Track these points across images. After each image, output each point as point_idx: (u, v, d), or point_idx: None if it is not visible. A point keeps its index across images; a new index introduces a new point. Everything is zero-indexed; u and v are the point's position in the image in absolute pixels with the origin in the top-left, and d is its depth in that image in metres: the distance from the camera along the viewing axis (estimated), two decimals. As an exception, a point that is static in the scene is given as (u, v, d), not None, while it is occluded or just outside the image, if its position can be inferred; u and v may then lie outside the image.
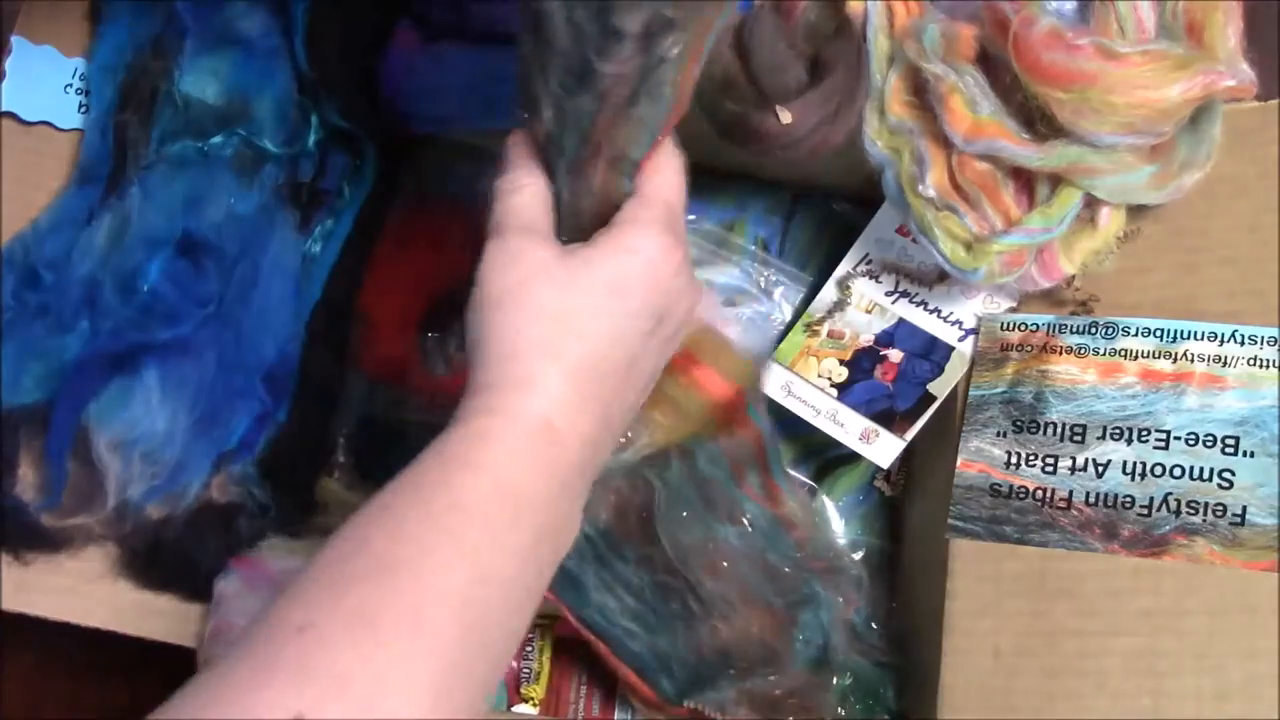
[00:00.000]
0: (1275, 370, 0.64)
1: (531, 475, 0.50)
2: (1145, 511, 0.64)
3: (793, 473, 0.83)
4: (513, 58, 0.54)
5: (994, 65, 0.67)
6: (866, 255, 0.78)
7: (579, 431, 0.52)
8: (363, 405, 0.82)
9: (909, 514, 0.82)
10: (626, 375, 0.54)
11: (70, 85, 0.80)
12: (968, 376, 0.72)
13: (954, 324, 0.74)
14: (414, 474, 0.50)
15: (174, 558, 0.75)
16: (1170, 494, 0.64)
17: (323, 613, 0.44)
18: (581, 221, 0.55)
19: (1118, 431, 0.66)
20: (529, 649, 0.79)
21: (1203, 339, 0.66)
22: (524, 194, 0.54)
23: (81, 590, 0.75)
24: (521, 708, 0.79)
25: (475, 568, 0.47)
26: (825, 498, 0.83)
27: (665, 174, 0.55)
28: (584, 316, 0.52)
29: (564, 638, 0.79)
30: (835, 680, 0.76)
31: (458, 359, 0.82)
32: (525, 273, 0.52)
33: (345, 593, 0.45)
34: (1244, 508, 0.62)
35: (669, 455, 0.69)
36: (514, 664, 0.80)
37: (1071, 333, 0.69)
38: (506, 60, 0.73)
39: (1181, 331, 0.67)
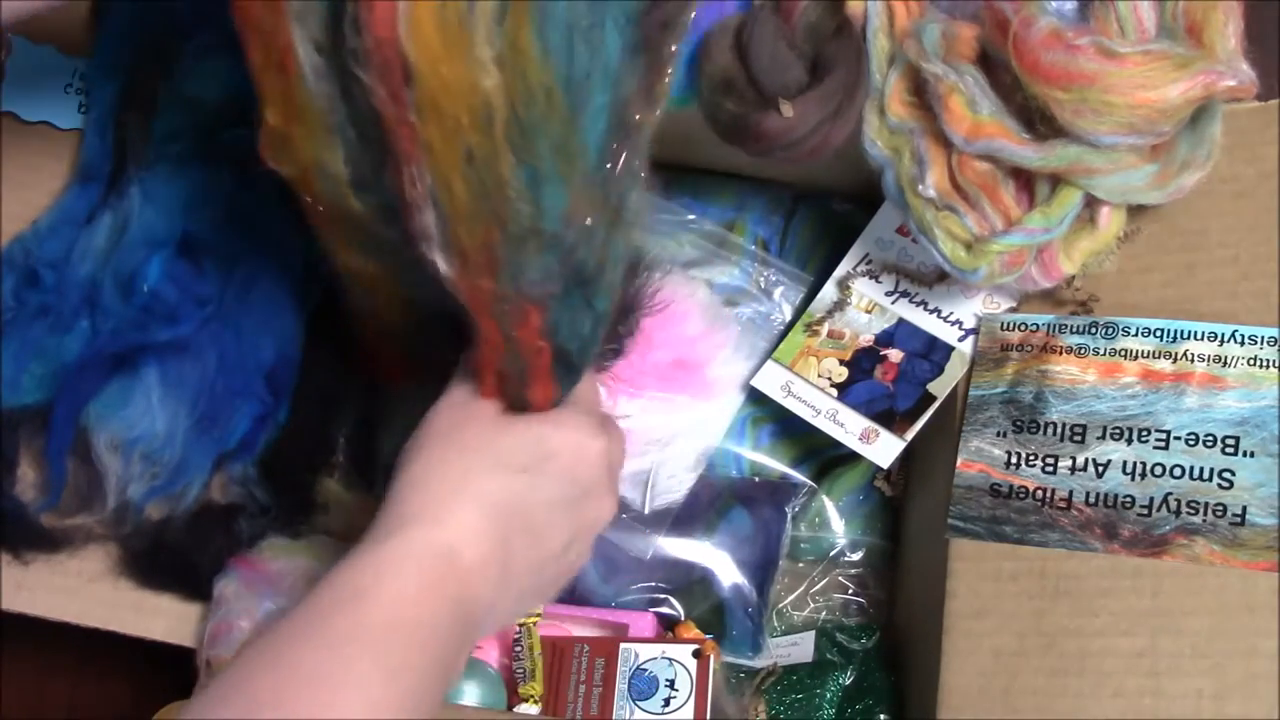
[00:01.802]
0: (1275, 370, 0.64)
1: (428, 604, 0.51)
2: (1145, 511, 0.64)
3: (793, 472, 0.83)
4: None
5: (994, 65, 0.67)
6: (866, 255, 0.78)
7: (483, 561, 0.53)
8: (363, 405, 0.82)
9: (909, 514, 0.82)
10: (538, 534, 0.56)
11: (70, 85, 0.80)
12: (968, 376, 0.72)
13: (954, 324, 0.74)
14: (312, 604, 0.50)
15: (174, 558, 0.75)
16: (1170, 494, 0.64)
17: None
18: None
19: (1118, 431, 0.66)
20: (517, 649, 0.79)
21: (1203, 339, 0.66)
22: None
23: (81, 590, 0.75)
24: (523, 707, 0.79)
25: (366, 700, 0.47)
26: (825, 498, 0.83)
27: (585, 383, 0.59)
28: (510, 462, 0.55)
29: (546, 637, 0.79)
30: (836, 679, 0.76)
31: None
32: (468, 416, 0.56)
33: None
34: (1244, 508, 0.62)
35: None
36: (507, 663, 0.80)
37: (1071, 333, 0.69)
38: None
39: (1181, 331, 0.67)
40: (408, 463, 0.55)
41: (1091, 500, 0.65)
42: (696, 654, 0.74)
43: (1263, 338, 0.65)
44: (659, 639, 0.78)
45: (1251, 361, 0.65)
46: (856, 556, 0.83)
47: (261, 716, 0.46)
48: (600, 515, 0.58)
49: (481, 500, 0.53)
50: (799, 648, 0.80)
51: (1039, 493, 0.66)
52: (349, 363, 0.82)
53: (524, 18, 0.43)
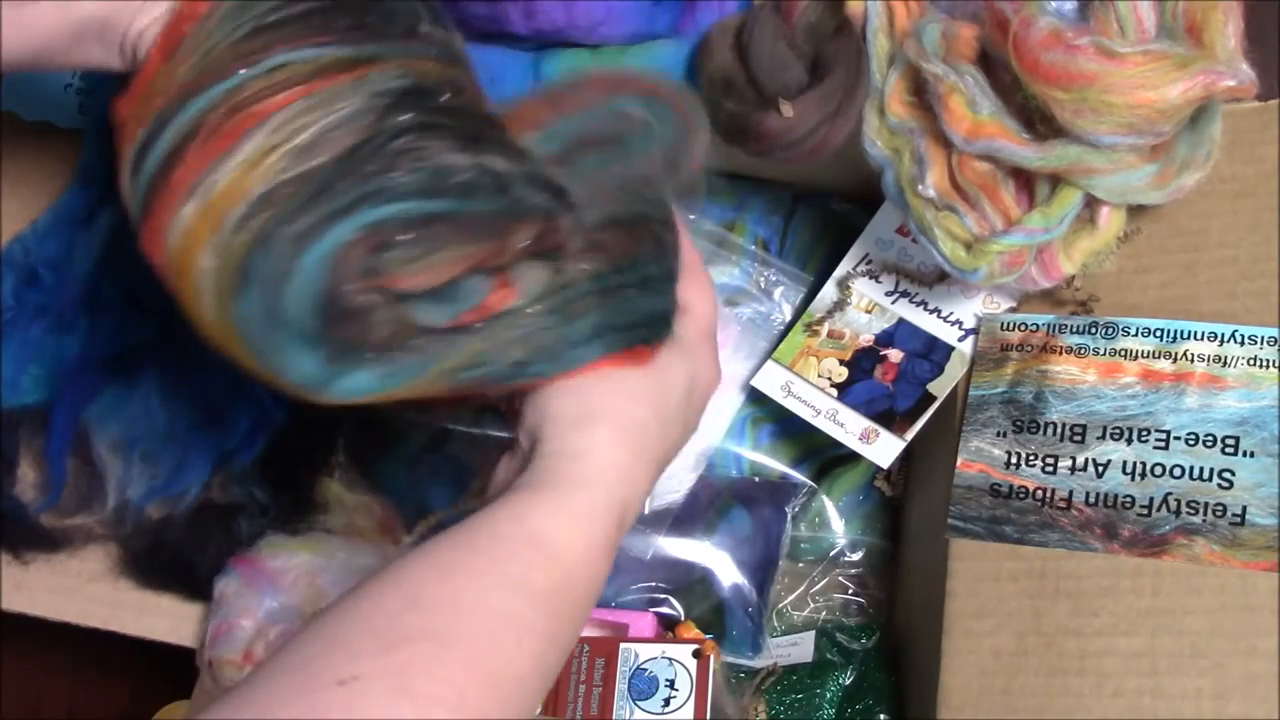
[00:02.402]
0: (1275, 370, 0.64)
1: (599, 566, 0.52)
2: (1145, 511, 0.64)
3: (793, 472, 0.83)
4: (513, 54, 0.55)
5: (994, 65, 0.67)
6: (866, 255, 0.78)
7: (639, 509, 0.55)
8: (363, 405, 0.82)
9: (909, 514, 0.82)
10: (672, 441, 0.59)
11: (70, 85, 0.80)
12: (968, 376, 0.72)
13: (954, 324, 0.74)
14: (482, 530, 0.50)
15: (174, 558, 0.75)
16: (1170, 494, 0.64)
17: (366, 669, 0.43)
18: None
19: (1118, 431, 0.66)
20: (524, 648, 0.79)
21: (1203, 339, 0.66)
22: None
23: (81, 590, 0.75)
24: (522, 708, 0.79)
25: (526, 656, 0.47)
26: (825, 498, 0.83)
27: (701, 292, 0.61)
28: (669, 413, 0.57)
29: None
30: (836, 678, 0.76)
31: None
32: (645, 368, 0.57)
33: (392, 652, 0.44)
34: (1244, 508, 0.62)
35: None
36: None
37: (1071, 333, 0.69)
38: (507, 59, 0.73)
39: (1181, 331, 0.67)
40: (570, 393, 0.55)
41: (1091, 500, 0.65)
42: (696, 654, 0.74)
43: (1263, 338, 0.65)
44: (659, 639, 0.78)
45: (1251, 361, 0.65)
46: (856, 556, 0.83)
47: (424, 633, 0.45)
48: (709, 392, 0.61)
49: (647, 448, 0.55)
50: (799, 648, 0.80)
51: (1039, 493, 0.66)
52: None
53: None
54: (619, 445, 0.54)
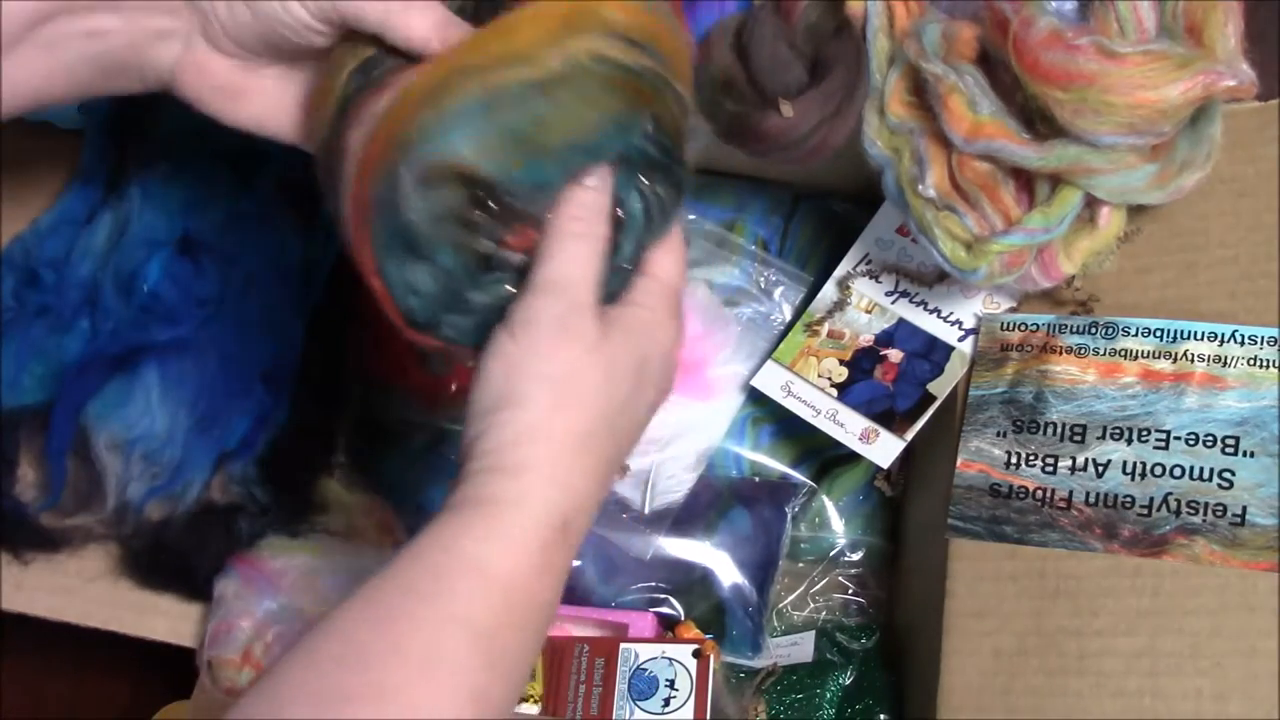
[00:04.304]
0: (1275, 370, 0.64)
1: (542, 588, 0.48)
2: (1145, 511, 0.64)
3: (793, 472, 0.83)
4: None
5: (994, 65, 0.67)
6: (866, 255, 0.78)
7: (588, 521, 0.51)
8: (363, 405, 0.83)
9: (909, 514, 0.82)
10: (630, 443, 0.54)
11: (70, 85, 0.80)
12: (968, 376, 0.72)
13: (954, 324, 0.74)
14: (415, 562, 0.47)
15: (174, 558, 0.75)
16: (1170, 494, 0.64)
17: None
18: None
19: (1118, 431, 0.66)
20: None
21: (1203, 339, 0.66)
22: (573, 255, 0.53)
23: (81, 590, 0.75)
24: (523, 707, 0.79)
25: (467, 697, 0.45)
26: (825, 498, 0.83)
27: (670, 257, 0.55)
28: (615, 403, 0.51)
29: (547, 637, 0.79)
30: (835, 678, 0.76)
31: (457, 358, 0.82)
32: (562, 345, 0.51)
33: (338, 702, 0.43)
34: (1244, 508, 0.62)
35: None
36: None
37: (1071, 333, 0.69)
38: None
39: (1181, 331, 0.67)
40: (508, 405, 0.50)
41: (1091, 500, 0.65)
42: (696, 654, 0.74)
43: (1263, 338, 0.65)
44: (659, 639, 0.78)
45: (1251, 361, 0.65)
46: (856, 556, 0.83)
47: (353, 681, 0.43)
48: (670, 358, 0.55)
49: (592, 451, 0.50)
50: (799, 648, 0.80)
51: (1039, 493, 0.66)
52: (349, 363, 0.82)
53: None
54: (557, 459, 0.49)
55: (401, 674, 0.44)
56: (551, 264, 0.50)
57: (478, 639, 0.46)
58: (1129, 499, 0.64)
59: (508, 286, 0.51)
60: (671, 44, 0.52)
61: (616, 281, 0.53)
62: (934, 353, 0.74)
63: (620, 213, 0.52)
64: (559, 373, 0.50)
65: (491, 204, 0.49)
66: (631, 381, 0.52)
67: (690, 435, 0.81)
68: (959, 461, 0.69)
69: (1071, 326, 0.69)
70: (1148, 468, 0.65)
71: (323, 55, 0.55)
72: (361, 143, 0.50)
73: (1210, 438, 0.64)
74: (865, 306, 0.77)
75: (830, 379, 0.76)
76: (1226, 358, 0.65)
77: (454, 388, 0.82)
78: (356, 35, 0.53)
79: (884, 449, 0.74)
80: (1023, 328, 0.71)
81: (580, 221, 0.51)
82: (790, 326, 0.81)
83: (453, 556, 0.47)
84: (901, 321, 0.76)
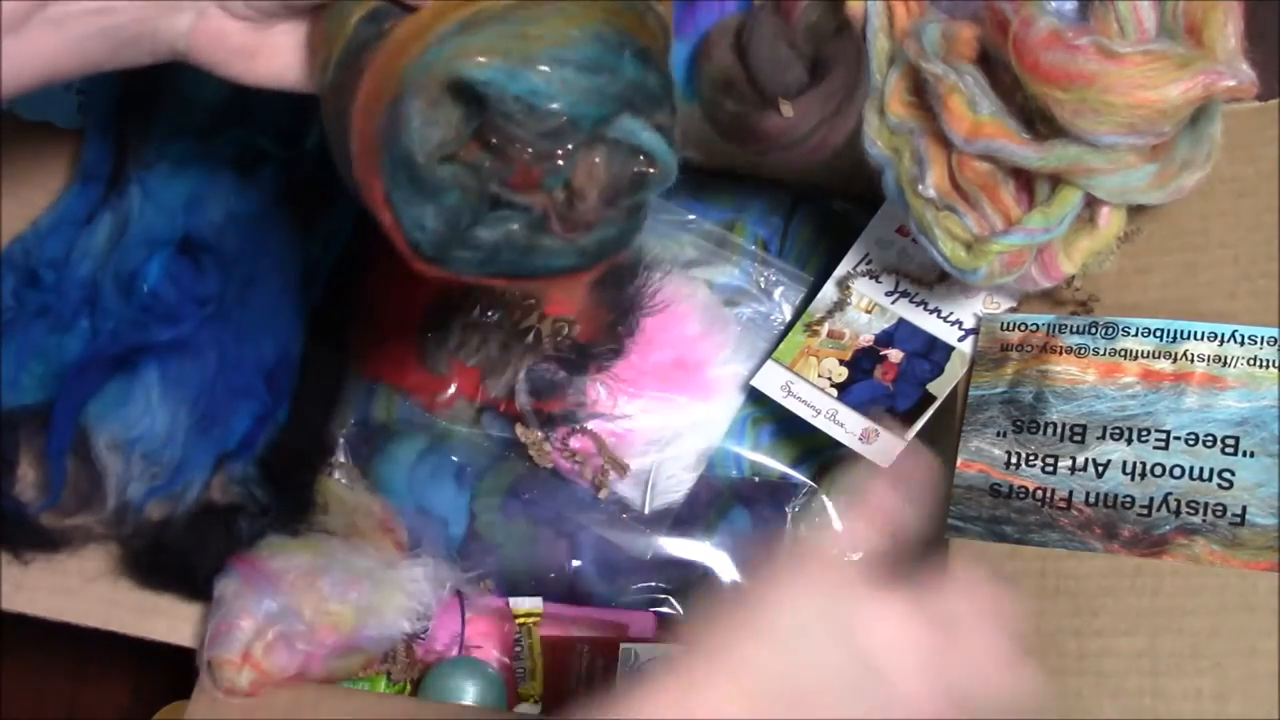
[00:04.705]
0: (1275, 370, 0.64)
1: None
2: (1145, 511, 0.64)
3: (793, 472, 0.83)
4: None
5: (994, 65, 0.67)
6: (866, 255, 0.78)
7: None
8: (363, 405, 0.83)
9: (909, 514, 0.82)
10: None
11: (70, 85, 0.80)
12: (968, 376, 0.72)
13: (954, 324, 0.74)
14: None
15: (174, 558, 0.75)
16: (1170, 494, 0.64)
17: None
18: None
19: (1118, 431, 0.66)
20: (518, 649, 0.79)
21: (1203, 339, 0.66)
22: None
23: (81, 590, 0.75)
24: (523, 707, 0.79)
25: None
26: (825, 498, 0.83)
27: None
28: (816, 686, 0.46)
29: (546, 637, 0.79)
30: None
31: (457, 359, 0.82)
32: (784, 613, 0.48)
33: None
34: (1244, 508, 0.62)
35: None
36: (507, 663, 0.80)
37: (1071, 333, 0.69)
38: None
39: (1181, 331, 0.67)
40: (710, 633, 0.47)
41: (1091, 500, 0.65)
42: (696, 654, 0.74)
43: (1263, 338, 0.65)
44: (659, 639, 0.78)
45: (1251, 361, 0.65)
46: (856, 556, 0.83)
47: None
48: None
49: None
50: (799, 648, 0.80)
51: (1039, 493, 0.66)
52: (349, 363, 0.82)
53: None
54: (736, 698, 0.45)
55: None
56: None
57: None
58: (1129, 499, 0.64)
59: (514, 225, 0.51)
60: None
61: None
62: (934, 353, 0.74)
63: (645, 160, 0.52)
64: (773, 636, 0.47)
65: (491, 137, 0.49)
66: (824, 685, 0.47)
67: (690, 435, 0.81)
68: (959, 461, 0.69)
69: (1071, 326, 0.69)
70: (1148, 468, 0.65)
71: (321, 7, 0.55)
72: (362, 87, 0.51)
73: (1210, 438, 0.64)
74: (865, 306, 0.77)
75: (830, 379, 0.76)
76: (1226, 358, 0.65)
77: (453, 388, 0.82)
78: None
79: (884, 449, 0.74)
80: (1023, 328, 0.71)
81: None
82: (790, 326, 0.81)
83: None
84: (901, 321, 0.76)
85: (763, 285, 0.85)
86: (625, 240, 0.53)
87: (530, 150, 0.50)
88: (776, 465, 0.83)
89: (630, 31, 0.51)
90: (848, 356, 0.76)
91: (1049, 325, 0.70)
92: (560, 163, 0.50)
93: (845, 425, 0.75)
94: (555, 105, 0.49)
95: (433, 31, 0.50)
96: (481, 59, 0.49)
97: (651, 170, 0.52)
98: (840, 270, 0.79)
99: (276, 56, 0.58)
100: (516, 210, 0.51)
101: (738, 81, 0.69)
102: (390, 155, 0.50)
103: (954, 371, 0.73)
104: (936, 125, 0.67)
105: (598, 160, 0.51)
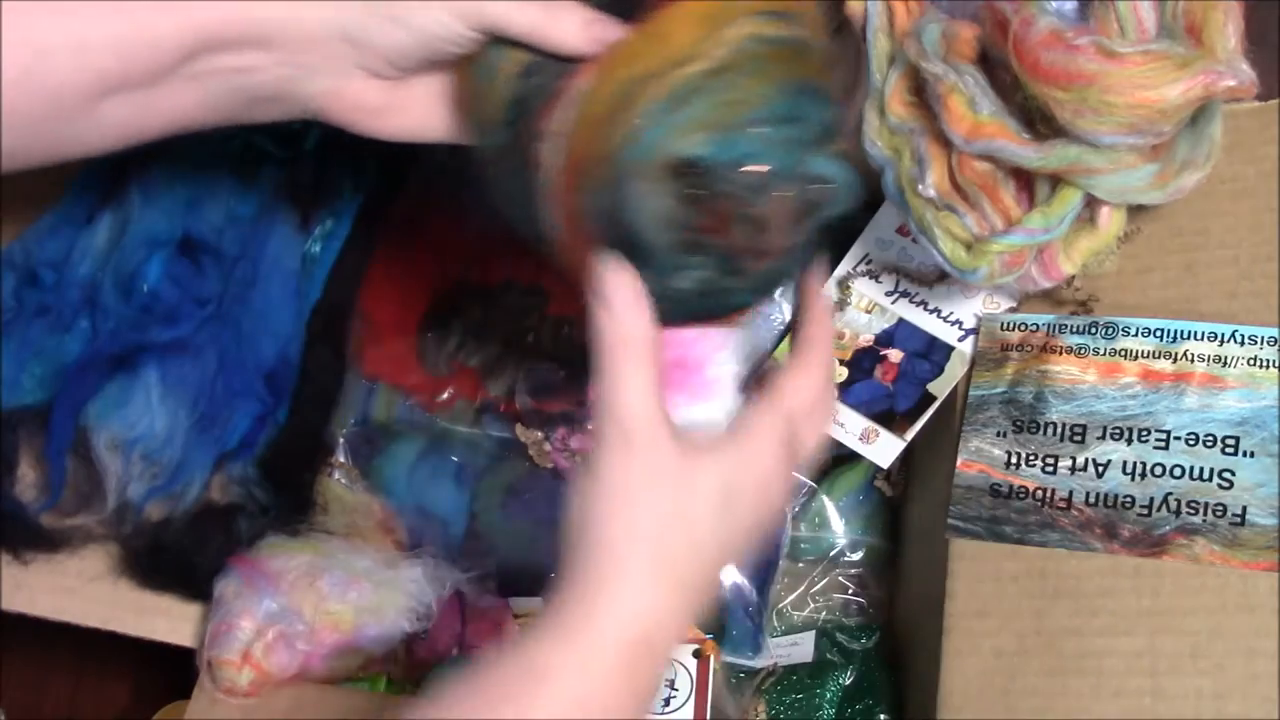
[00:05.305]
0: (1275, 370, 0.64)
1: (616, 697, 0.47)
2: (1145, 511, 0.64)
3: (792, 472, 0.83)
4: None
5: (994, 65, 0.67)
6: (866, 255, 0.78)
7: (671, 642, 0.50)
8: (362, 405, 0.83)
9: (909, 514, 0.82)
10: (717, 567, 0.53)
11: (70, 85, 0.80)
12: (968, 376, 0.72)
13: (954, 324, 0.74)
14: (490, 674, 0.47)
15: (174, 558, 0.75)
16: (1170, 494, 0.64)
17: None
18: None
19: (1118, 431, 0.66)
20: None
21: (1203, 339, 0.66)
22: (642, 379, 0.52)
23: (81, 590, 0.75)
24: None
25: None
26: (825, 498, 0.83)
27: (800, 378, 0.55)
28: (697, 525, 0.50)
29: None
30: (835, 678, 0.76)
31: (457, 359, 0.82)
32: (645, 468, 0.50)
33: None
34: (1244, 508, 0.62)
35: None
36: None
37: (1071, 333, 0.69)
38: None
39: (1181, 331, 0.67)
40: (591, 524, 0.50)
41: (1091, 500, 0.65)
42: (696, 654, 0.74)
43: (1263, 338, 0.65)
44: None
45: (1251, 361, 0.65)
46: (856, 556, 0.83)
47: None
48: (765, 509, 0.54)
49: (669, 573, 0.49)
50: (799, 648, 0.80)
51: (1039, 493, 0.66)
52: (349, 363, 0.82)
53: None
54: (631, 578, 0.48)
55: None
56: (611, 392, 0.51)
57: None
58: (1129, 499, 0.64)
59: (707, 271, 0.53)
60: (804, 7, 0.55)
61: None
62: (934, 353, 0.74)
63: (823, 181, 0.53)
64: (638, 504, 0.49)
65: (699, 193, 0.51)
66: (711, 504, 0.51)
67: (690, 435, 0.81)
68: (959, 461, 0.69)
69: (1071, 326, 0.69)
70: (1148, 468, 0.65)
71: (463, 59, 0.56)
72: (558, 157, 0.52)
73: (1210, 438, 0.64)
74: (865, 306, 0.77)
75: (830, 379, 0.76)
76: (1226, 358, 0.65)
77: (452, 389, 0.82)
78: (503, 40, 0.54)
79: (884, 449, 0.74)
80: (1023, 328, 0.71)
81: (626, 346, 0.51)
82: (790, 326, 0.81)
83: (526, 669, 0.47)
84: (901, 321, 0.76)
85: (763, 285, 0.85)
86: (807, 261, 0.56)
87: (733, 201, 0.52)
88: (776, 465, 0.83)
89: (807, 75, 0.54)
90: (848, 356, 0.76)
91: (1049, 325, 0.70)
92: (757, 205, 0.52)
93: (845, 425, 0.75)
94: (765, 164, 0.51)
95: (638, 108, 0.50)
96: (697, 136, 0.50)
97: (829, 190, 0.54)
98: (840, 270, 0.79)
99: (410, 111, 0.58)
100: (709, 255, 0.53)
101: (738, 81, 0.69)
102: (615, 232, 0.51)
103: (954, 371, 0.73)
104: (936, 125, 0.67)
105: (785, 193, 0.53)
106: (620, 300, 0.51)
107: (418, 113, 0.58)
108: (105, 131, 0.52)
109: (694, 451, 0.51)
